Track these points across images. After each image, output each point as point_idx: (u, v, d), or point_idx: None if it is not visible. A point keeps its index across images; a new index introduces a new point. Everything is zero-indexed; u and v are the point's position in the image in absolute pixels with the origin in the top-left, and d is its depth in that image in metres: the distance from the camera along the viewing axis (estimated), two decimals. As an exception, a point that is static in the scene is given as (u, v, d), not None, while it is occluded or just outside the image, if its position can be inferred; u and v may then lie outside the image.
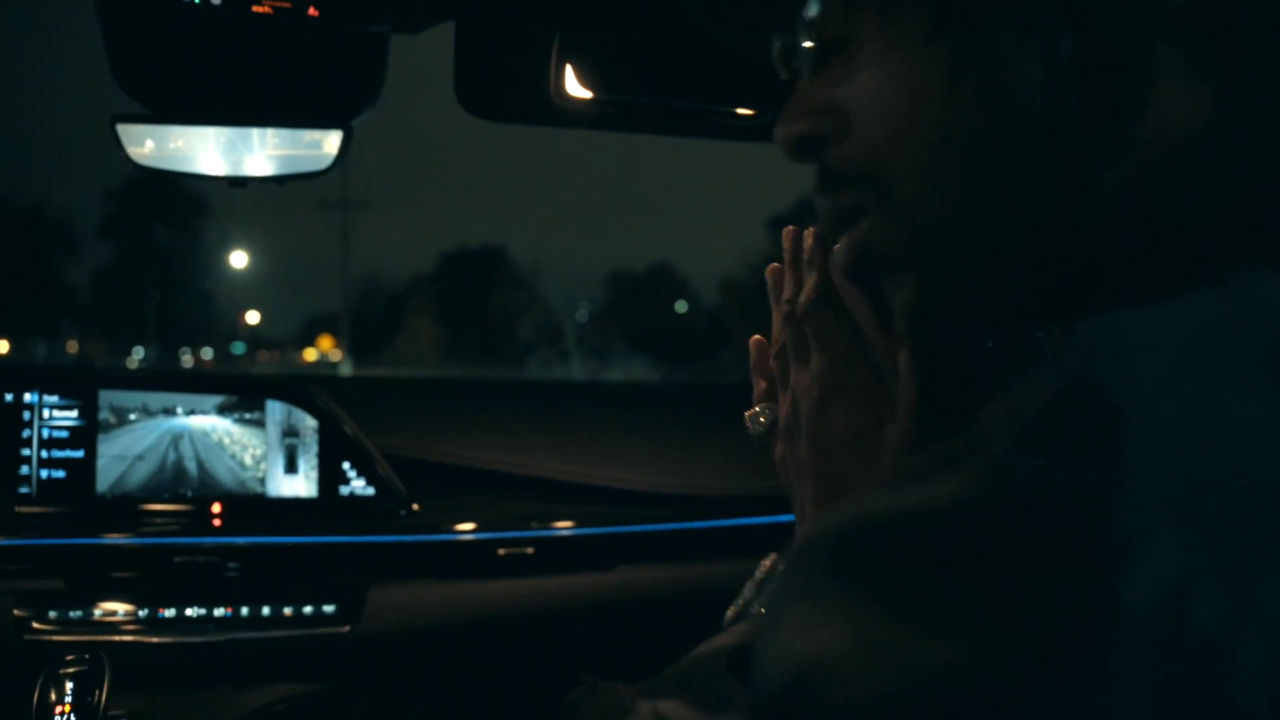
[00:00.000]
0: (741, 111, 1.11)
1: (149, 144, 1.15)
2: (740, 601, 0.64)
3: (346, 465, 1.55)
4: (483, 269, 29.63)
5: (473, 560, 1.49)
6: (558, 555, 1.53)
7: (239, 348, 29.55)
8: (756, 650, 0.34)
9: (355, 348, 26.34)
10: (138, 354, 26.90)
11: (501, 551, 1.50)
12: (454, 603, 1.46)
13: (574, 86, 1.05)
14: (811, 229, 0.60)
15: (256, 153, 1.18)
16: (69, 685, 1.19)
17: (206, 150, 1.16)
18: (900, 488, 0.33)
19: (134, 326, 27.55)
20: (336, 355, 26.66)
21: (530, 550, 1.51)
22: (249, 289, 30.24)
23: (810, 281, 0.59)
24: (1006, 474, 0.30)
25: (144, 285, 27.98)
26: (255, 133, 1.16)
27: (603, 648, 1.54)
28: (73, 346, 27.73)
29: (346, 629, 1.40)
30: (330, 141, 1.16)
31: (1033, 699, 0.26)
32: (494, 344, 27.61)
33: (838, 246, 0.52)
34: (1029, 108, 0.41)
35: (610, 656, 1.48)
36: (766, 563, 0.64)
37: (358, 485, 1.55)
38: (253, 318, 30.40)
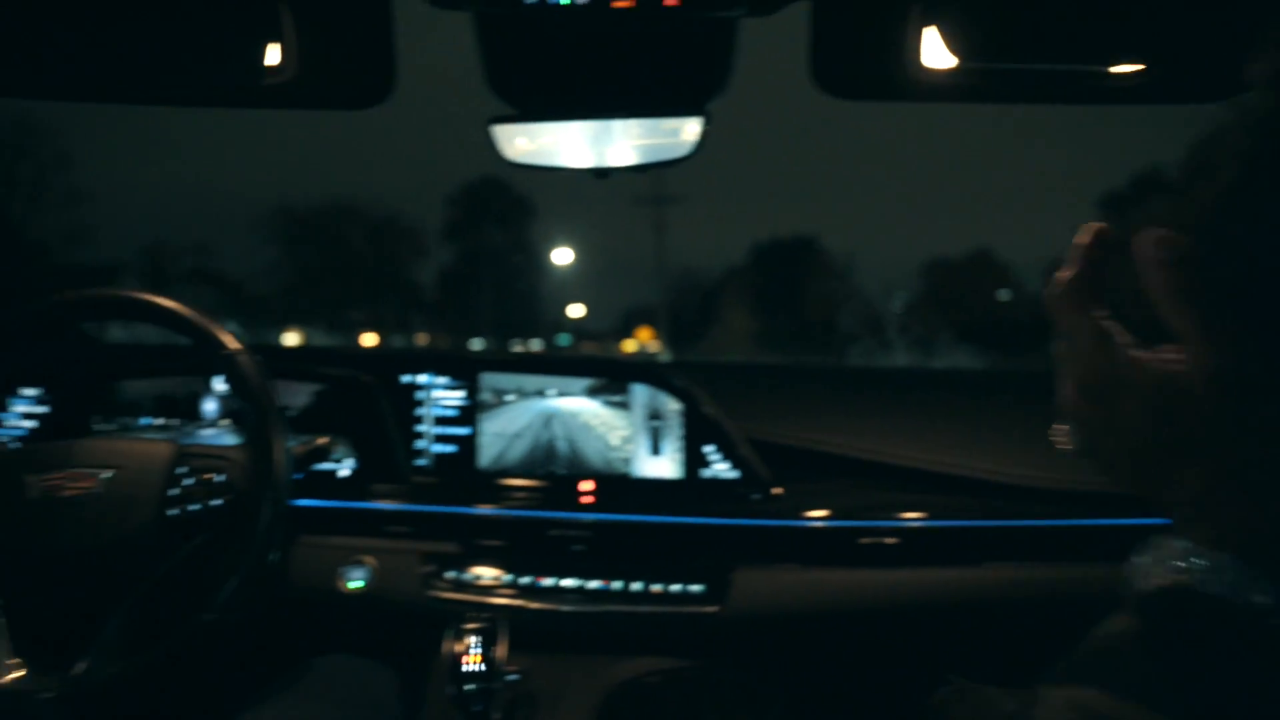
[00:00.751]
0: (1124, 70, 1.00)
1: (520, 142, 1.22)
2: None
3: (709, 448, 1.57)
4: (795, 259, 29.48)
5: (834, 547, 1.46)
6: (921, 547, 1.46)
7: (565, 339, 31.25)
8: None
9: (672, 338, 27.15)
10: (475, 345, 29.14)
11: (863, 540, 1.46)
12: (815, 589, 1.44)
13: (934, 57, 0.99)
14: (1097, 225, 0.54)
15: (619, 143, 1.21)
16: (471, 640, 1.30)
17: (573, 144, 1.22)
18: None
19: (471, 320, 29.96)
20: (654, 346, 27.58)
21: (892, 540, 1.46)
22: (572, 284, 31.97)
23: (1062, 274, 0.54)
24: None
25: (479, 282, 30.37)
26: (618, 124, 1.20)
27: (968, 647, 1.44)
28: (422, 339, 30.52)
29: (715, 609, 1.42)
30: (689, 128, 1.17)
31: None
32: (809, 334, 27.44)
33: None
34: None
35: (976, 657, 1.38)
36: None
37: (721, 468, 1.57)
38: (576, 311, 32.07)
